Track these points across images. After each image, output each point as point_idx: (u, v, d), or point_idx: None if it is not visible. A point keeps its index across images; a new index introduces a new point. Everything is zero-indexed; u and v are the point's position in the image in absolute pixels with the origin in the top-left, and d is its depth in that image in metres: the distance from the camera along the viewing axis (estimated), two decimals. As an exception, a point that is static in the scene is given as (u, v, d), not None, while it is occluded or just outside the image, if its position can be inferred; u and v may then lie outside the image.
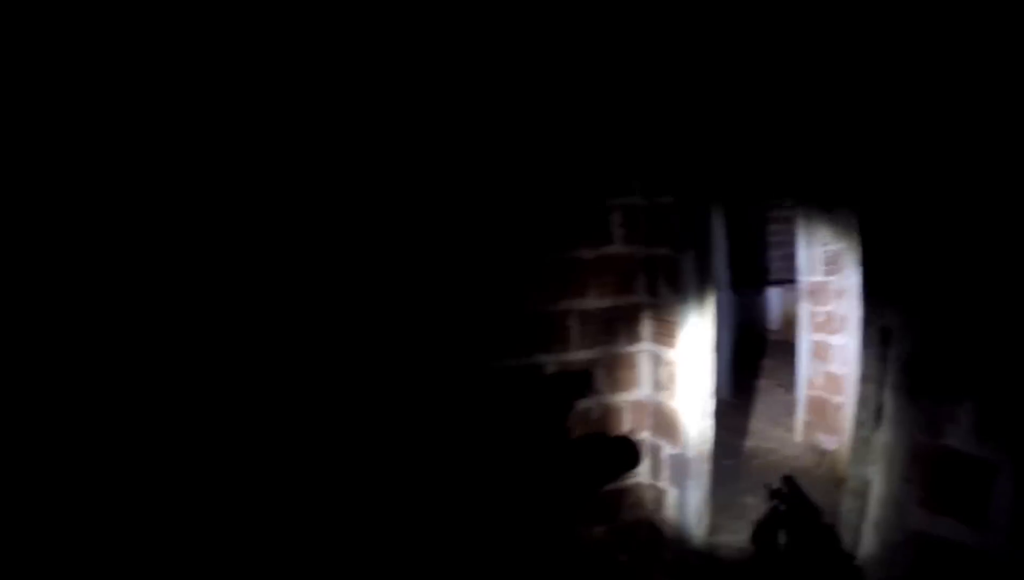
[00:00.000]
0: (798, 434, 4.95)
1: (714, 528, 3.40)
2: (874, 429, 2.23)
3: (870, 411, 2.26)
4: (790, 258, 6.10)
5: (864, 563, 1.84)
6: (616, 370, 3.30)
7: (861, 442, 2.31)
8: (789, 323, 8.08)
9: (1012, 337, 1.73)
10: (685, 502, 3.20)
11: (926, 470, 1.97)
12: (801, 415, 4.93)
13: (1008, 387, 1.73)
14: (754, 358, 7.52)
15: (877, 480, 2.18)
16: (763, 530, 1.90)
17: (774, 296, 8.66)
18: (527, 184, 2.95)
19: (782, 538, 1.80)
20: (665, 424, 3.30)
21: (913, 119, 2.03)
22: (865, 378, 2.30)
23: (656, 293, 3.28)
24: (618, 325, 3.28)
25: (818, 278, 4.75)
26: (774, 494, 1.90)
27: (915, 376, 2.03)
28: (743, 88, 2.88)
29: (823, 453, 4.59)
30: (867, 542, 2.18)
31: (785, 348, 7.52)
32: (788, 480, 1.90)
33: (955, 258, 1.89)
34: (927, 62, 1.96)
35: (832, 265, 4.60)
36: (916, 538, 1.98)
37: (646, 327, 3.35)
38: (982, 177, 1.82)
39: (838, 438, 4.49)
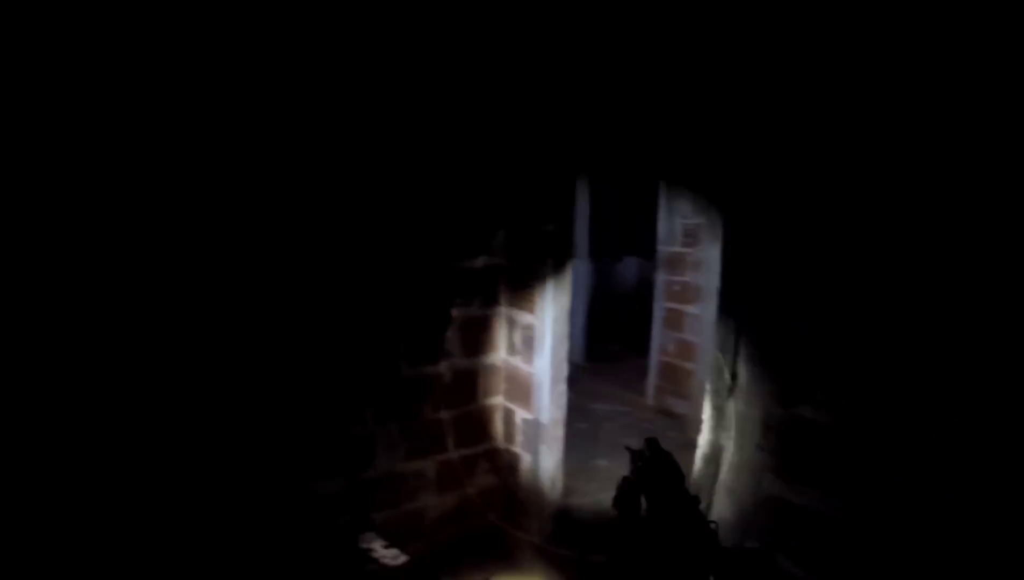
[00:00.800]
0: (650, 398, 5.11)
1: (569, 491, 3.40)
2: (728, 398, 2.23)
3: (724, 381, 2.25)
4: (650, 229, 6.24)
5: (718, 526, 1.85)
6: (470, 333, 3.14)
7: (715, 411, 2.32)
8: (644, 292, 8.39)
9: (860, 311, 1.74)
10: (539, 466, 3.15)
11: (779, 439, 1.99)
12: (653, 380, 5.08)
13: (857, 360, 1.74)
14: (609, 325, 7.72)
15: (730, 447, 2.20)
16: (625, 492, 1.83)
17: (632, 265, 8.91)
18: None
19: (643, 501, 1.74)
20: (520, 389, 3.21)
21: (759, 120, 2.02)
22: (720, 349, 2.28)
23: (514, 256, 3.14)
24: (474, 286, 3.11)
25: (676, 249, 4.87)
26: (636, 456, 1.83)
27: (769, 348, 2.03)
28: (610, 73, 2.78)
29: (675, 417, 4.75)
30: (720, 507, 2.20)
31: (640, 315, 7.80)
32: (651, 442, 1.82)
33: (807, 238, 1.90)
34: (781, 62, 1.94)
35: (690, 238, 4.73)
36: (769, 503, 2.00)
37: (503, 290, 3.21)
38: (836, 165, 1.82)
39: (689, 403, 4.67)
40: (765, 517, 2.03)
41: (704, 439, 2.37)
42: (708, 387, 2.40)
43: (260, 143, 2.32)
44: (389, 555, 2.47)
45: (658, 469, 1.82)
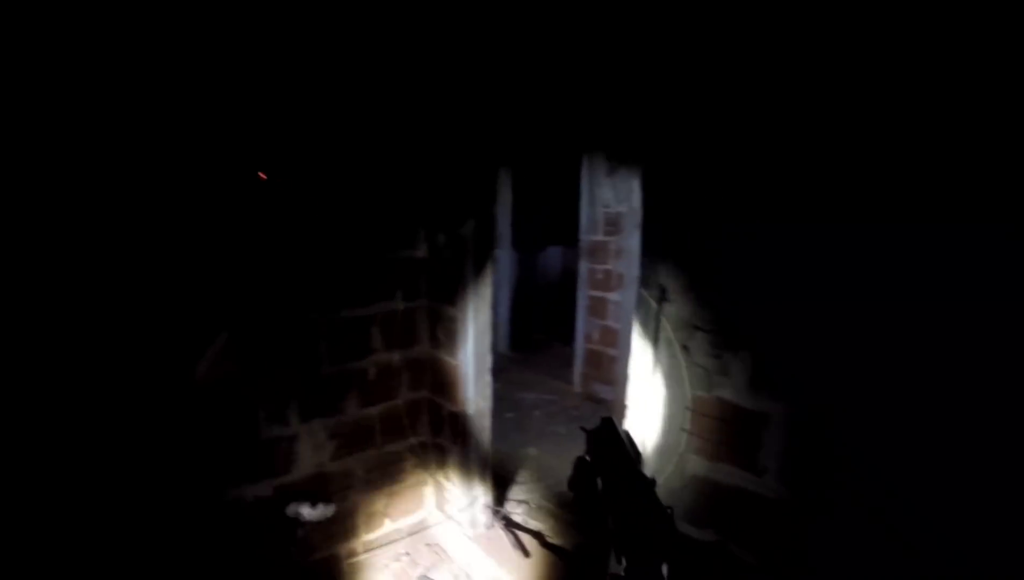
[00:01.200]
0: (577, 386, 5.15)
1: (499, 481, 3.38)
2: (650, 383, 2.26)
3: (646, 366, 2.28)
4: (572, 219, 6.29)
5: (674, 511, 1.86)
6: (394, 328, 3.06)
7: (638, 396, 2.34)
8: (568, 280, 8.47)
9: (776, 293, 1.79)
10: (468, 459, 3.10)
11: (702, 421, 2.03)
12: (579, 367, 5.12)
13: (778, 341, 1.79)
14: (534, 314, 7.75)
15: (653, 432, 2.22)
16: (581, 473, 1.80)
17: (555, 255, 8.98)
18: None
19: (599, 482, 1.72)
20: (445, 382, 3.16)
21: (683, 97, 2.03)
22: (641, 335, 2.31)
23: (436, 249, 3.08)
24: (395, 280, 3.03)
25: (598, 238, 4.92)
26: (591, 436, 1.80)
27: (689, 333, 2.06)
28: (525, 64, 2.75)
29: (601, 403, 4.81)
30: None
31: (564, 303, 7.87)
32: (606, 422, 1.80)
33: (727, 220, 1.92)
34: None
35: (612, 226, 4.78)
36: (695, 484, 2.04)
37: (425, 284, 3.15)
38: (754, 147, 1.85)
39: (614, 389, 4.74)
40: (693, 498, 2.07)
41: (629, 424, 2.40)
42: (631, 373, 2.43)
43: (163, 137, 2.16)
44: (317, 512, 2.60)
45: (613, 450, 1.80)
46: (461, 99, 2.89)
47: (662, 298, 2.16)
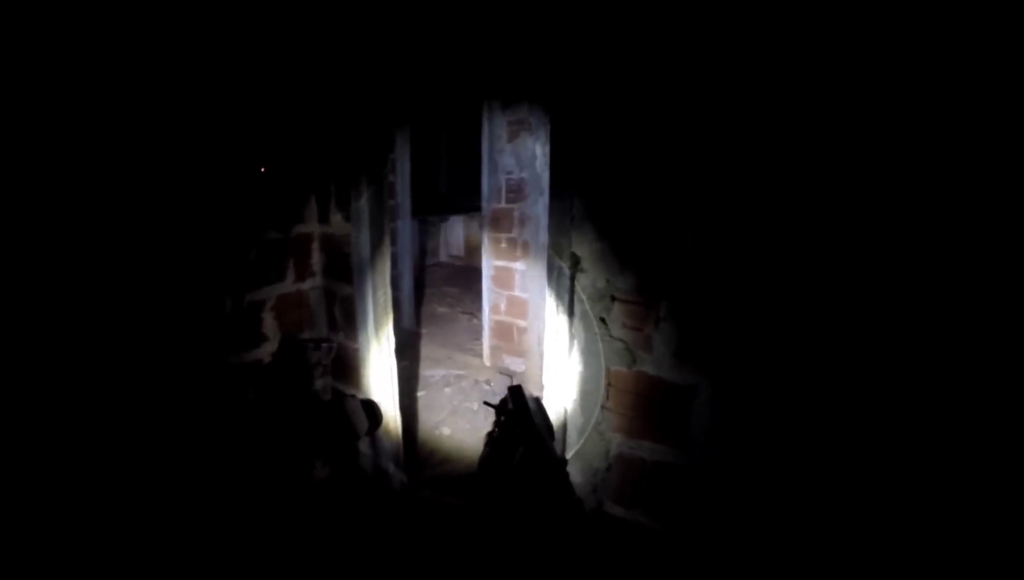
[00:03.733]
0: (487, 359, 5.04)
1: (414, 464, 3.22)
2: (567, 358, 2.15)
3: (562, 340, 2.16)
4: (474, 187, 6.11)
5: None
6: (286, 311, 2.80)
7: (554, 373, 2.23)
8: (472, 250, 8.30)
9: (701, 262, 1.71)
10: (377, 450, 2.93)
11: (623, 398, 1.94)
12: (488, 340, 5.01)
13: (702, 311, 1.71)
14: (438, 286, 7.56)
15: (572, 410, 2.12)
16: (491, 449, 1.69)
17: (457, 224, 8.78)
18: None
19: (516, 455, 1.61)
20: (346, 367, 2.95)
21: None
22: (555, 307, 2.19)
23: (328, 220, 2.83)
24: (286, 259, 2.76)
25: (501, 206, 4.76)
26: (499, 410, 1.68)
27: (606, 305, 1.96)
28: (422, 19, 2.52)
29: (512, 375, 4.73)
30: (571, 469, 2.13)
31: (469, 274, 7.72)
32: (514, 391, 1.68)
33: (643, 182, 1.81)
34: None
35: (514, 193, 4.64)
36: (620, 462, 1.96)
37: (318, 260, 2.90)
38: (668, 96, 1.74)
39: (525, 360, 4.66)
40: (616, 477, 1.99)
41: (547, 402, 2.29)
42: (547, 348, 2.31)
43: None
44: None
45: (522, 425, 1.69)
46: (349, 50, 2.62)
47: (575, 267, 2.04)
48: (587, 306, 2.02)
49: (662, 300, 1.79)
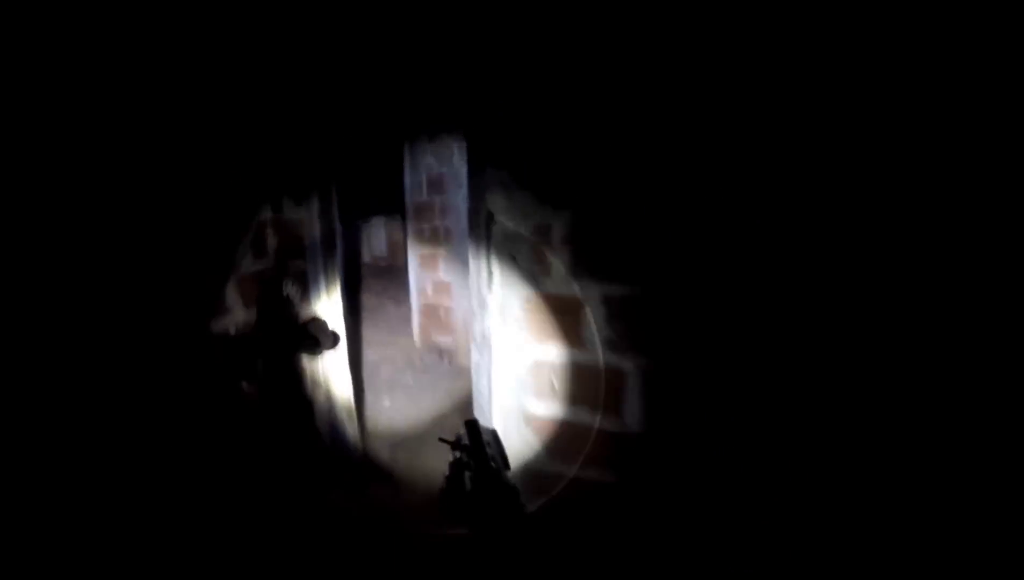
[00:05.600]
0: (416, 338, 5.48)
1: (363, 428, 3.67)
2: (488, 291, 2.42)
3: (484, 277, 2.43)
4: (394, 189, 6.54)
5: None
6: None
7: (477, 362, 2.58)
8: (395, 250, 8.73)
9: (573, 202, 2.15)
10: (332, 401, 3.37)
11: (533, 314, 2.41)
12: (417, 321, 5.46)
13: (584, 237, 2.16)
14: (365, 282, 7.94)
15: (503, 394, 2.41)
16: (449, 482, 1.74)
17: (379, 225, 9.20)
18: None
19: (467, 483, 1.69)
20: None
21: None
22: (476, 251, 2.48)
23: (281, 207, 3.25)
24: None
25: (423, 198, 5.26)
26: (455, 446, 1.73)
27: (514, 244, 2.29)
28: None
29: (441, 351, 5.21)
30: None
31: (393, 272, 8.13)
32: (470, 426, 1.75)
33: (554, 138, 2.12)
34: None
35: (435, 186, 5.14)
36: (535, 366, 2.42)
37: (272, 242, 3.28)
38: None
39: (452, 337, 5.16)
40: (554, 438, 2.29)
41: (475, 389, 2.62)
42: (471, 283, 2.59)
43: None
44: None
45: (476, 460, 1.69)
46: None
47: (489, 222, 2.32)
48: (499, 252, 2.49)
49: (553, 235, 2.30)
